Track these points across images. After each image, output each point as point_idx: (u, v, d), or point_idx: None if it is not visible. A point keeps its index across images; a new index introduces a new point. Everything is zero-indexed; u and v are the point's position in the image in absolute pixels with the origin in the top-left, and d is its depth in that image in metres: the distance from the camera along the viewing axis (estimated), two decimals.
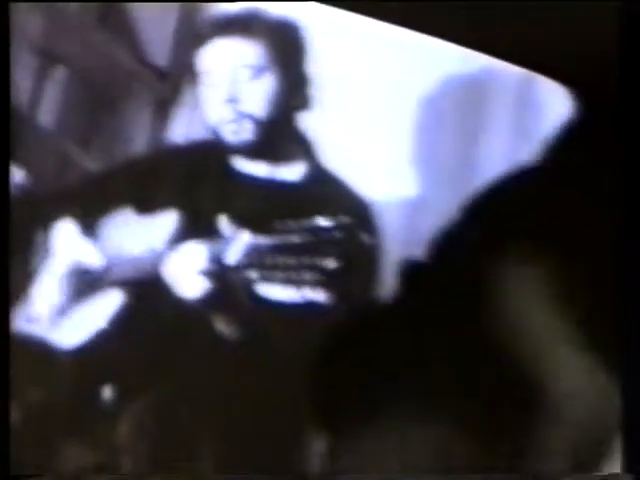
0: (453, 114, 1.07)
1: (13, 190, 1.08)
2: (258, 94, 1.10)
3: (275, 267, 1.04)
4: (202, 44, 1.09)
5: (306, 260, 1.03)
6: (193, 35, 1.10)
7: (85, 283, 1.07)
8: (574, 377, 0.86)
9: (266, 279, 1.04)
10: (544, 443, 0.85)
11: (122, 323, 1.05)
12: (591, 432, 0.82)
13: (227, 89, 1.11)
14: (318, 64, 1.09)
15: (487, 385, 0.89)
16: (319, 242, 1.03)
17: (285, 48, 1.10)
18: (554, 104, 1.02)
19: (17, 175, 1.05)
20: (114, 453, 1.04)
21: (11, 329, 0.85)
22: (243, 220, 1.05)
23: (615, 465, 0.62)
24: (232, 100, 1.09)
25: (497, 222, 0.92)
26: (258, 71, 1.11)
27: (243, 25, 1.12)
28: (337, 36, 1.07)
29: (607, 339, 0.83)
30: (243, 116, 1.09)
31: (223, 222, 1.05)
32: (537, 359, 0.86)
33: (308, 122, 1.08)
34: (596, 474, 0.65)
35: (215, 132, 1.10)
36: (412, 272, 0.94)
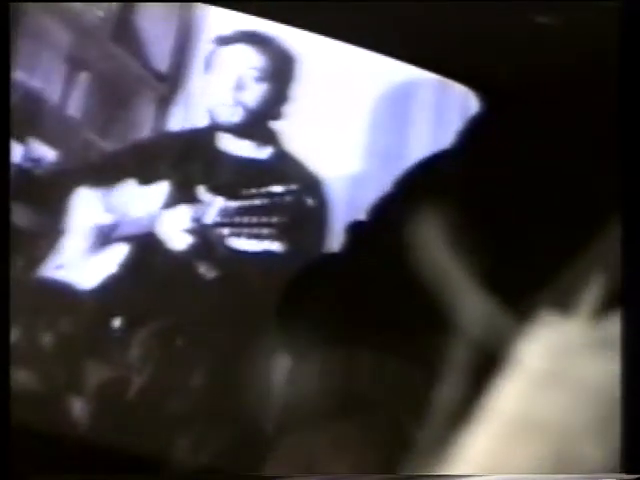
0: (390, 113, 1.17)
1: (47, 165, 1.18)
2: (254, 91, 1.20)
3: (242, 225, 1.15)
4: (201, 50, 1.19)
5: (264, 219, 1.15)
6: (191, 45, 1.20)
7: (100, 238, 1.18)
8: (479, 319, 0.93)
9: (235, 234, 1.16)
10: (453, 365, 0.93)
11: (128, 269, 1.16)
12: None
13: (235, 80, 1.19)
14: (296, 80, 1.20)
15: (413, 321, 0.98)
16: (275, 205, 1.16)
17: (280, 67, 1.21)
18: (466, 104, 1.13)
19: (50, 154, 1.17)
20: (126, 370, 1.13)
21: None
22: (219, 189, 1.17)
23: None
24: (239, 87, 1.20)
25: (421, 191, 1.03)
26: (260, 74, 1.21)
27: (251, 39, 1.21)
28: (309, 58, 1.19)
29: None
30: (239, 103, 1.19)
31: (202, 191, 1.17)
32: (448, 299, 0.95)
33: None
34: (596, 474, 0.59)
35: (211, 116, 1.19)
36: (355, 230, 1.06)
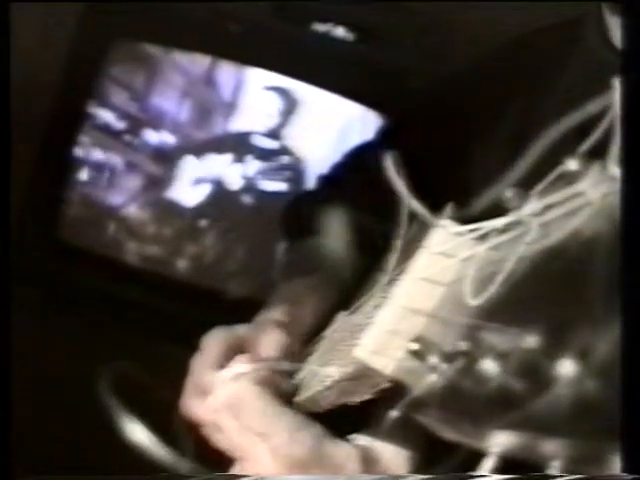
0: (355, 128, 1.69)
1: (169, 144, 1.69)
2: (273, 117, 1.71)
3: (265, 176, 1.75)
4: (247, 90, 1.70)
5: (276, 173, 1.74)
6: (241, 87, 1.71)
7: (195, 180, 1.73)
8: None
9: (262, 179, 1.77)
10: None
11: (207, 197, 1.74)
12: None
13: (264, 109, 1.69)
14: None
15: None
16: (281, 167, 1.73)
17: (286, 104, 1.70)
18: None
19: (170, 138, 1.71)
20: (204, 248, 1.73)
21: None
22: (257, 158, 1.73)
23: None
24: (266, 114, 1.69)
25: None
26: (278, 108, 1.71)
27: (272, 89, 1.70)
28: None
29: None
30: (267, 122, 1.72)
31: (248, 159, 1.73)
32: None
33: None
34: (596, 474, 0.49)
35: (252, 123, 1.72)
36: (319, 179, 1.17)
